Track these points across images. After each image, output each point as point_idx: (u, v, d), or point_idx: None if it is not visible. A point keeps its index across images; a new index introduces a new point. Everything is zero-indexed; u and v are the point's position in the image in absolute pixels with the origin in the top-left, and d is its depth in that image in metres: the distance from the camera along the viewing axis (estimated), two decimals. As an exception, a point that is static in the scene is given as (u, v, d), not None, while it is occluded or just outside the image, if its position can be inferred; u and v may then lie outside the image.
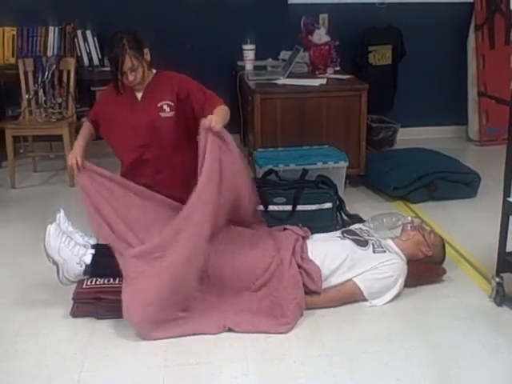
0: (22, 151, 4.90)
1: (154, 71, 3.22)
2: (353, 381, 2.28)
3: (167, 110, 3.14)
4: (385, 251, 2.87)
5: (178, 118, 3.15)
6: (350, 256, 2.80)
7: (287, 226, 3.06)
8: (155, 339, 2.52)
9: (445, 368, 2.35)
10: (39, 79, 4.61)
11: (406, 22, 5.17)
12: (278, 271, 2.73)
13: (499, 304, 2.74)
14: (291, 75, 4.42)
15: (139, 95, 3.18)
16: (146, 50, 3.11)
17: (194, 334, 2.56)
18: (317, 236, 3.04)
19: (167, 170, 3.17)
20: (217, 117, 2.82)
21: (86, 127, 3.27)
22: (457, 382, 2.28)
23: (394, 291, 2.80)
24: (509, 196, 2.65)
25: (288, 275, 2.71)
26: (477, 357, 2.41)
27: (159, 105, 3.14)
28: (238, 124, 4.91)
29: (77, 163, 2.91)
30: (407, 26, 5.17)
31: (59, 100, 4.65)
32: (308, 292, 2.72)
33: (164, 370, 2.34)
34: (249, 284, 2.73)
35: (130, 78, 3.06)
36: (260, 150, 4.07)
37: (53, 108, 4.62)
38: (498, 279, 2.73)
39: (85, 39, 4.96)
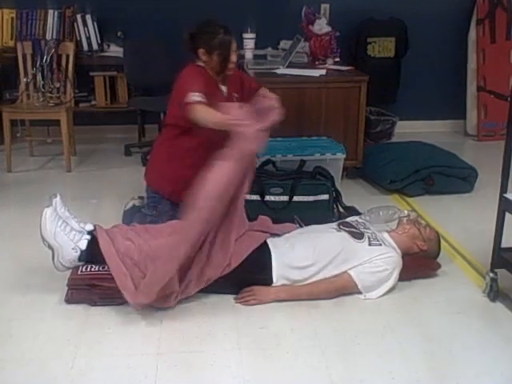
0: (19, 135, 4.89)
1: None
2: (346, 373, 2.28)
3: (235, 101, 3.24)
4: (380, 244, 2.87)
5: None
6: (346, 248, 2.80)
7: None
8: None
9: (438, 361, 2.36)
10: (38, 63, 4.60)
11: (407, 14, 5.15)
12: None
13: (493, 299, 2.75)
14: (291, 65, 4.40)
15: (224, 88, 3.23)
16: None
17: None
18: (313, 227, 3.05)
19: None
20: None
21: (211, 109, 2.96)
22: (450, 375, 2.29)
23: (389, 284, 2.80)
24: (505, 192, 2.65)
25: None
26: (470, 351, 2.43)
27: (234, 98, 3.25)
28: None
29: None
30: (408, 18, 5.16)
31: (57, 84, 4.64)
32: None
33: (157, 358, 2.35)
34: None
35: (234, 58, 3.17)
36: (258, 139, 4.06)
37: (51, 92, 4.61)
38: (492, 275, 2.74)
39: (84, 24, 4.94)
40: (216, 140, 2.82)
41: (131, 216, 3.32)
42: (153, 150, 3.48)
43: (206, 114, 2.91)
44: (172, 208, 3.26)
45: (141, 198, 3.53)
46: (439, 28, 5.34)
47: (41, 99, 4.59)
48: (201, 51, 3.15)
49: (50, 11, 4.94)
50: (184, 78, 3.16)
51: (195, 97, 2.96)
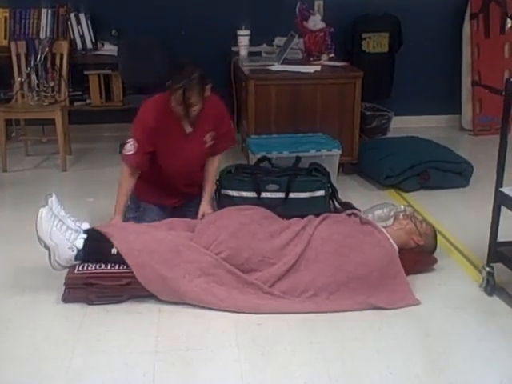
0: (14, 135, 4.87)
1: None
2: (343, 368, 2.29)
3: (209, 140, 3.23)
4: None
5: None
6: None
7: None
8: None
9: (435, 356, 2.37)
10: (32, 62, 4.58)
11: (401, 9, 5.15)
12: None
13: (489, 293, 2.76)
14: (286, 61, 4.40)
15: (189, 127, 3.16)
16: (208, 87, 3.05)
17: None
18: None
19: (193, 186, 3.36)
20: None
21: (128, 182, 3.16)
22: (447, 370, 2.29)
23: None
24: (501, 186, 2.65)
25: None
26: (467, 345, 2.43)
27: (205, 138, 3.21)
28: (231, 110, 4.89)
29: None
30: (402, 13, 5.16)
31: (52, 83, 4.63)
32: None
33: (155, 356, 2.35)
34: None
35: (192, 113, 3.04)
36: (253, 136, 4.06)
37: (45, 91, 4.60)
38: (488, 269, 2.75)
39: (78, 22, 4.92)
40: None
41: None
42: None
43: (121, 178, 3.16)
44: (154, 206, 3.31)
45: None
46: (434, 23, 5.34)
47: (35, 98, 4.58)
48: (167, 84, 3.03)
49: (44, 10, 4.92)
50: (138, 113, 3.16)
51: (128, 146, 3.11)
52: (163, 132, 3.12)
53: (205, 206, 3.28)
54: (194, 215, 3.21)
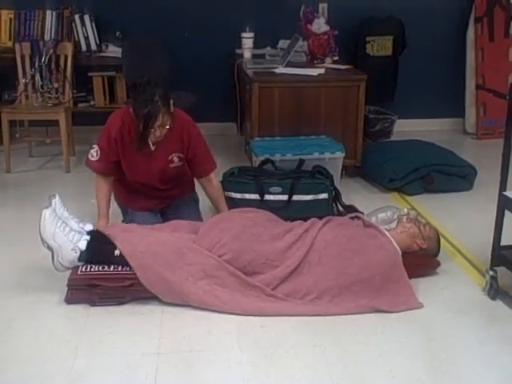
0: (17, 136, 4.87)
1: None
2: (346, 371, 2.29)
3: (176, 160, 3.17)
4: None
5: (184, 165, 3.22)
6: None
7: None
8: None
9: (437, 360, 2.36)
10: (36, 63, 4.59)
11: (405, 12, 5.15)
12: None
13: (493, 297, 2.75)
14: (289, 64, 4.40)
15: (152, 146, 3.10)
16: (171, 102, 2.97)
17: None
18: None
19: (167, 190, 3.28)
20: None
21: (102, 186, 3.16)
22: (449, 373, 2.29)
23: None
24: (505, 190, 2.65)
25: None
26: (469, 349, 2.43)
27: (170, 157, 3.15)
28: (234, 112, 4.90)
29: None
30: (407, 16, 5.15)
31: (56, 85, 4.64)
32: None
33: (158, 358, 2.35)
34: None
35: (158, 133, 2.96)
36: (257, 139, 4.07)
37: (49, 93, 4.61)
38: (491, 273, 2.74)
39: (83, 24, 4.93)
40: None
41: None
42: None
43: (95, 183, 3.17)
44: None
45: None
46: (438, 26, 5.34)
47: (39, 100, 4.59)
48: (132, 111, 2.96)
49: (48, 12, 4.92)
50: (107, 120, 3.13)
51: (92, 152, 3.10)
52: (127, 145, 3.07)
53: None
54: (176, 217, 3.15)
